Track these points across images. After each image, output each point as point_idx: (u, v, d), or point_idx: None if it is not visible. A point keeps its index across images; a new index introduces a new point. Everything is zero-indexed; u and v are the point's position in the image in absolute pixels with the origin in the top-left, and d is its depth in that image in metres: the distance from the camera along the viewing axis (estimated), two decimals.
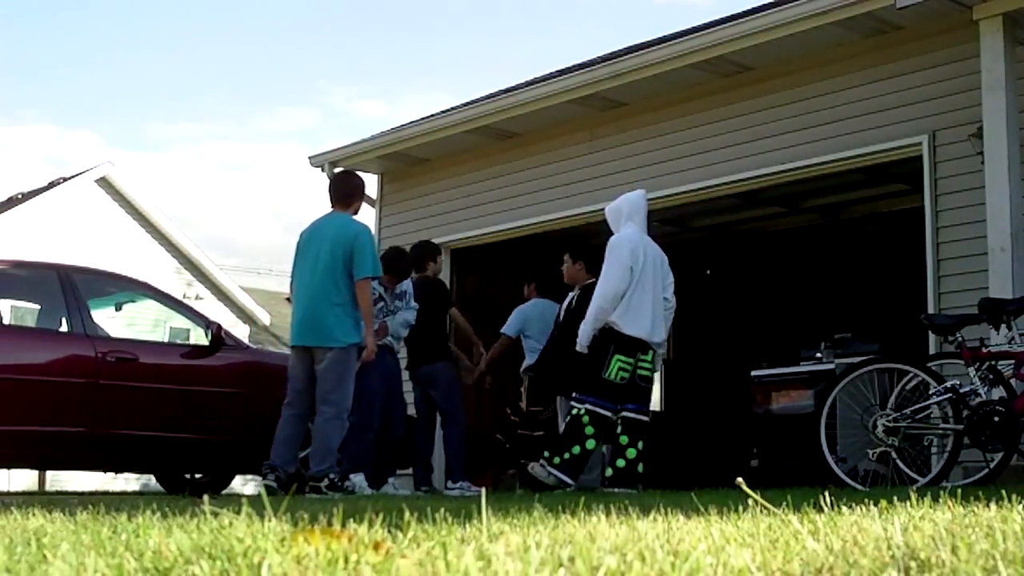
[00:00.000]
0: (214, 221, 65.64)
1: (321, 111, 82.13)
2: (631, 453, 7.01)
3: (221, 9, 70.21)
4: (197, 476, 8.97)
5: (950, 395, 6.10)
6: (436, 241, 11.48)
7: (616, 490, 6.66)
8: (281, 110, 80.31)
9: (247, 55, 75.09)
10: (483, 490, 2.56)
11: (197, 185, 70.20)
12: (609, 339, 7.09)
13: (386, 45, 79.96)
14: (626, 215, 7.37)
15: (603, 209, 10.29)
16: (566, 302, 8.57)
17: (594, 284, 8.83)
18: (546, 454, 7.06)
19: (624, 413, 7.09)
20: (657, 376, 14.45)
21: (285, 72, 77.66)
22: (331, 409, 7.06)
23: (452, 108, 11.68)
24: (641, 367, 7.16)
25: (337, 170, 10.80)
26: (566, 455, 6.97)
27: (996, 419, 5.94)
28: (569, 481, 6.92)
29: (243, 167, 78.09)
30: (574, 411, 7.06)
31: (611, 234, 7.38)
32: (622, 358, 7.07)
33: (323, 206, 8.84)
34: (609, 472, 7.09)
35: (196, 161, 74.22)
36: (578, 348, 7.18)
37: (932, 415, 6.29)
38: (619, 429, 7.07)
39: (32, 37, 58.86)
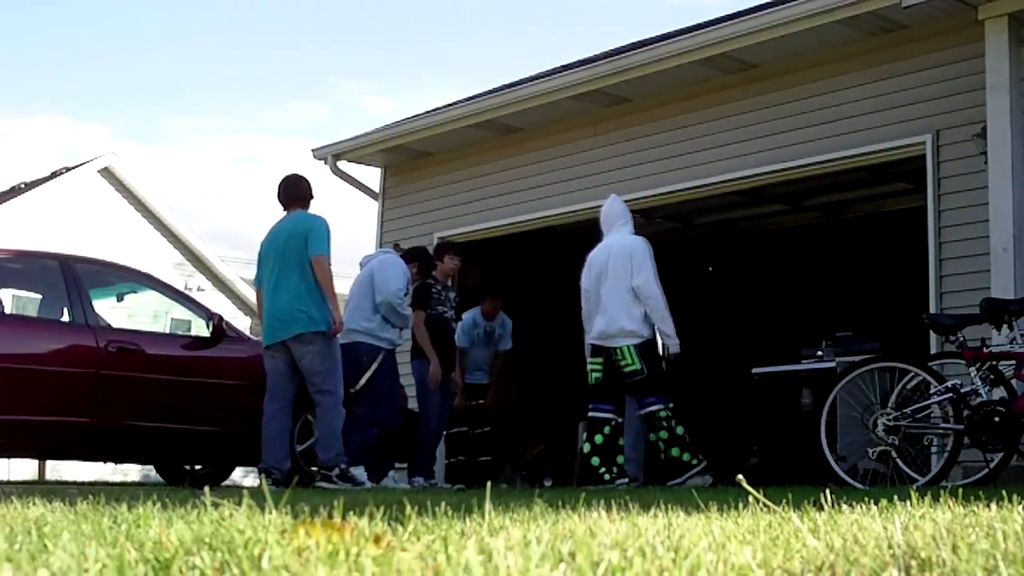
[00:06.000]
0: (224, 214, 65.63)
1: (330, 106, 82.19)
2: (586, 448, 7.40)
3: (232, 4, 70.20)
4: (197, 467, 8.98)
5: (951, 395, 6.10)
6: (438, 235, 11.50)
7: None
8: (291, 105, 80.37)
9: (258, 50, 75.12)
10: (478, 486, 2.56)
11: (207, 178, 70.24)
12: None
13: (395, 41, 79.95)
14: (621, 219, 7.86)
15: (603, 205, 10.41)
16: None
17: None
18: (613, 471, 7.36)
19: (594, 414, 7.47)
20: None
21: (295, 67, 77.68)
22: (329, 399, 7.15)
23: (456, 102, 11.66)
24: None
25: (285, 174, 10.77)
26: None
27: (996, 419, 5.95)
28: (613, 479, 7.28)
29: (253, 160, 78.12)
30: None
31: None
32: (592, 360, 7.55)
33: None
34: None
35: (206, 154, 74.25)
36: (675, 351, 7.63)
37: (932, 415, 6.29)
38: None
39: (44, 30, 58.86)
